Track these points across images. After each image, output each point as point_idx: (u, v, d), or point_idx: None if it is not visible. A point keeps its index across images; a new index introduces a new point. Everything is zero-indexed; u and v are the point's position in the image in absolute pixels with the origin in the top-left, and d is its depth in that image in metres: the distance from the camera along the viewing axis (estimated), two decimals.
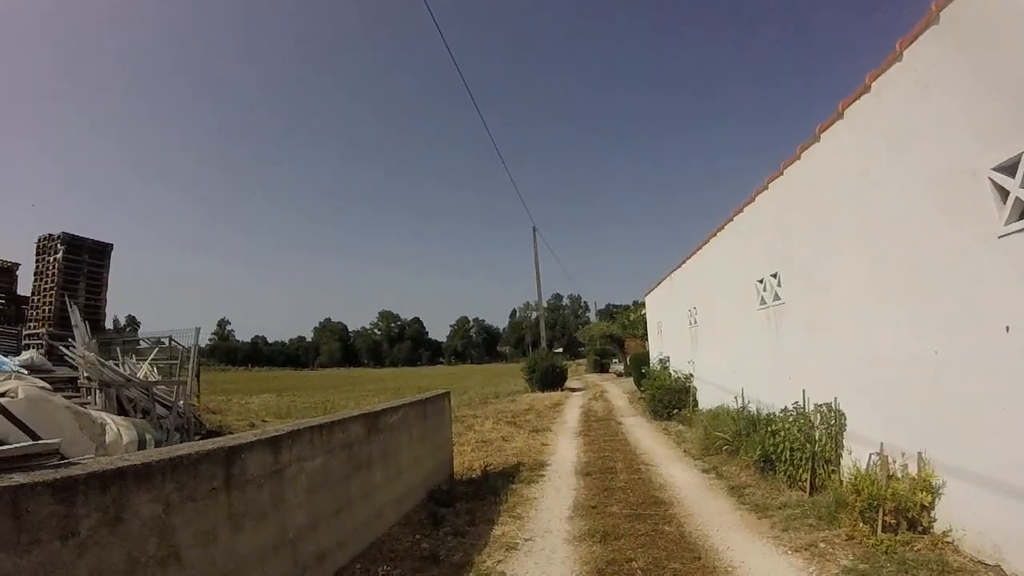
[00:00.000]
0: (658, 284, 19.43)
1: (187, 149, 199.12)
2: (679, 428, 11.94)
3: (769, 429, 7.03)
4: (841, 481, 6.26)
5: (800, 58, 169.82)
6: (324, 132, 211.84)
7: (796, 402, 7.16)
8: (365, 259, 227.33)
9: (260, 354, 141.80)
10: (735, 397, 9.02)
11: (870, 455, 5.58)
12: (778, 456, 6.86)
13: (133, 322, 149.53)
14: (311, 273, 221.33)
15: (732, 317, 10.29)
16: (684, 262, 14.38)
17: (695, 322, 13.55)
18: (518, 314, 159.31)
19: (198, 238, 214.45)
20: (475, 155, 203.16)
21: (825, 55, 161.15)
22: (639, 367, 21.29)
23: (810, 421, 6.64)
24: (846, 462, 6.37)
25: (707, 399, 12.37)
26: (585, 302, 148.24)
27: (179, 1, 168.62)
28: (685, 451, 9.38)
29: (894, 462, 5.41)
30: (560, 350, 66.32)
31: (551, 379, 25.22)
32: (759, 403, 8.61)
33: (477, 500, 7.20)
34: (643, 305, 35.31)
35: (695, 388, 13.40)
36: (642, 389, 18.56)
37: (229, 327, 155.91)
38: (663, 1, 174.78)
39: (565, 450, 10.28)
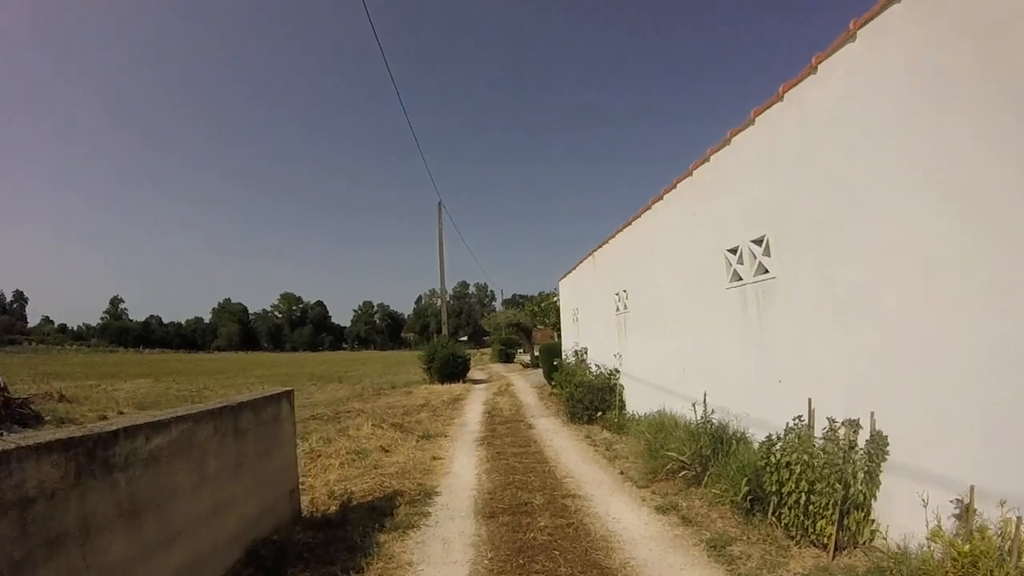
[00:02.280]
0: (576, 266, 17.21)
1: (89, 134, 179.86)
2: (606, 436, 9.66)
3: (773, 459, 4.73)
4: (874, 535, 4.17)
5: (721, 59, 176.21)
6: (228, 120, 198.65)
7: (799, 416, 4.95)
8: (269, 241, 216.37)
9: (153, 335, 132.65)
10: (693, 404, 6.76)
11: (966, 507, 3.40)
12: (783, 497, 4.60)
13: (21, 297, 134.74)
14: (211, 252, 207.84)
15: (683, 299, 8.07)
16: (613, 236, 12.12)
17: (624, 307, 11.34)
18: (423, 301, 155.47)
19: (92, 217, 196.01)
20: (390, 144, 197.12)
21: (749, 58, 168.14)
22: (550, 359, 19.09)
23: (841, 449, 4.40)
24: (882, 507, 4.24)
25: (638, 401, 10.20)
26: (492, 291, 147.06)
27: None
28: (623, 473, 7.04)
29: (981, 514, 3.34)
30: (465, 338, 64.02)
31: (452, 370, 22.51)
32: (728, 413, 6.40)
33: (323, 565, 4.53)
34: (553, 294, 33.41)
35: (622, 387, 11.21)
36: (554, 384, 16.39)
37: (123, 305, 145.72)
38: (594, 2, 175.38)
39: (463, 468, 7.67)
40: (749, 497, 5.05)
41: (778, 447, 4.79)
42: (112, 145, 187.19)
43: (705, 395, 6.64)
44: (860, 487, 4.31)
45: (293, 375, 35.29)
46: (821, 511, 4.34)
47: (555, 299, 28.49)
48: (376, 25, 14.89)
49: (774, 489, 4.70)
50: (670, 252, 8.66)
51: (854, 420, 4.47)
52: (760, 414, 5.90)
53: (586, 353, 15.06)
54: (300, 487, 6.62)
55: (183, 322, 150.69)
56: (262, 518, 4.89)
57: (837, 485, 4.23)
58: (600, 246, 13.53)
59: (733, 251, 6.53)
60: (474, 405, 15.48)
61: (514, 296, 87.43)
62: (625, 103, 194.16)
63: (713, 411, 6.48)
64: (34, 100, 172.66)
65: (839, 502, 4.24)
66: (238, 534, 4.46)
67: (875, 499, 4.33)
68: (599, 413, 10.95)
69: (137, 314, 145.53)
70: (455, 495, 6.34)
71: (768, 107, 5.87)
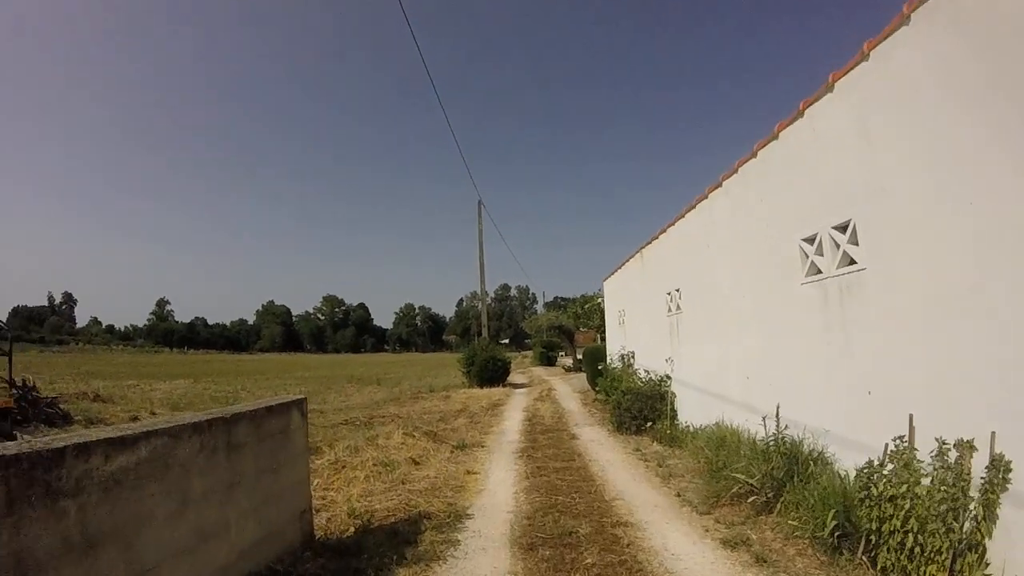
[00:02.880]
0: (621, 265, 16.33)
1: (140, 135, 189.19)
2: (657, 449, 8.79)
3: (875, 491, 3.87)
4: None
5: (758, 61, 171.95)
6: (277, 120, 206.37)
7: (900, 437, 4.06)
8: (313, 242, 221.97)
9: (198, 336, 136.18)
10: (763, 418, 5.87)
11: None
12: (884, 538, 3.73)
13: (70, 299, 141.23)
14: (257, 255, 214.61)
15: (747, 298, 7.18)
16: (664, 231, 11.24)
17: (677, 308, 10.45)
18: (465, 303, 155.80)
19: (141, 217, 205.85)
20: (430, 144, 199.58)
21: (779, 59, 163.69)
22: (594, 363, 18.21)
23: (961, 479, 3.50)
24: (998, 547, 3.33)
25: (692, 411, 9.30)
26: (533, 293, 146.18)
27: None
28: (680, 495, 6.19)
29: None
30: (506, 341, 63.53)
31: (491, 373, 21.86)
32: (803, 429, 5.51)
33: None
34: (596, 296, 32.43)
35: (673, 394, 10.31)
36: (598, 390, 15.55)
37: (169, 307, 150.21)
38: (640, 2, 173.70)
39: (499, 485, 6.95)
40: (836, 533, 4.19)
41: (879, 475, 3.91)
42: (159, 144, 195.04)
43: (778, 408, 5.74)
44: (978, 524, 3.41)
45: (333, 377, 35.29)
46: (932, 555, 3.45)
47: (599, 300, 27.60)
48: (411, 19, 14.48)
49: (873, 527, 3.84)
50: (731, 245, 7.77)
51: (968, 441, 3.57)
52: (843, 431, 5.00)
53: (633, 357, 14.17)
54: (320, 503, 6.04)
55: (228, 323, 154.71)
56: (262, 544, 4.28)
57: (954, 524, 3.35)
58: (649, 242, 12.65)
59: (810, 240, 5.63)
60: (514, 412, 14.78)
61: (556, 299, 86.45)
62: (681, 98, 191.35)
63: (787, 426, 5.59)
64: (41, 99, 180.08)
65: (955, 544, 3.36)
66: (229, 566, 3.85)
67: (990, 537, 3.42)
68: (648, 423, 10.08)
69: (183, 315, 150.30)
70: (489, 519, 5.62)
71: (849, 70, 4.99)
